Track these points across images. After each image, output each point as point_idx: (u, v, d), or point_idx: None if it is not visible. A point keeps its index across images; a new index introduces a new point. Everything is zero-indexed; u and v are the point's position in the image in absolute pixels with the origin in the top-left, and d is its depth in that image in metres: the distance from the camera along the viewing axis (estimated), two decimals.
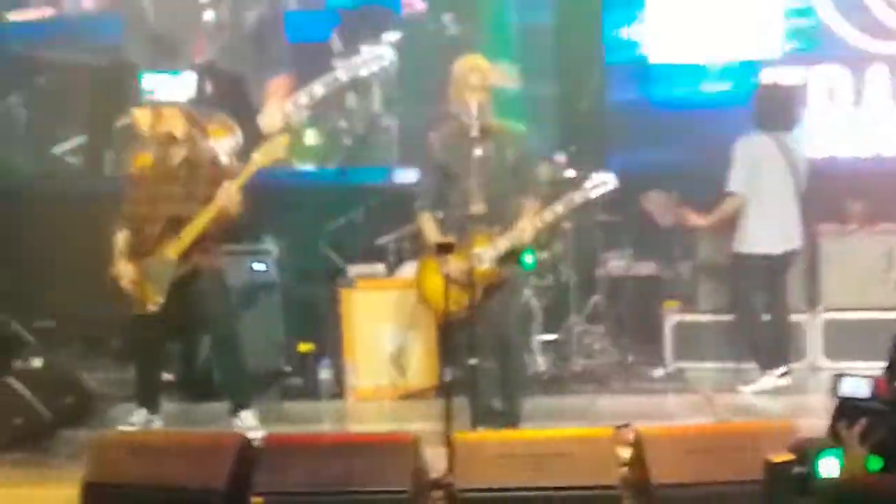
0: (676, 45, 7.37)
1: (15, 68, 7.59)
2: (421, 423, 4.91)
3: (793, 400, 5.72)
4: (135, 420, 5.32)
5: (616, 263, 6.69)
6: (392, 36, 6.90)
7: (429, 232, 5.03)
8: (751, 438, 4.00)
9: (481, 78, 4.97)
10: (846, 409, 2.53)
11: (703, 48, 7.34)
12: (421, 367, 6.07)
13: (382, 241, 6.56)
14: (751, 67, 7.21)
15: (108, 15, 7.88)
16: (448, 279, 4.44)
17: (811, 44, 7.23)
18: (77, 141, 7.50)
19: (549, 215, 4.96)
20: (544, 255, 6.42)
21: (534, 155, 5.26)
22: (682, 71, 7.38)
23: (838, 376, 2.62)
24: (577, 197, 4.94)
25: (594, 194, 4.95)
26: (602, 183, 4.93)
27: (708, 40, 7.33)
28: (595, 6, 7.32)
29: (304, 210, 6.76)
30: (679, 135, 7.11)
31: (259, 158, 5.20)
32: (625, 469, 4.20)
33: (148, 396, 5.38)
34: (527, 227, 4.89)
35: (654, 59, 7.35)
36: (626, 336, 6.53)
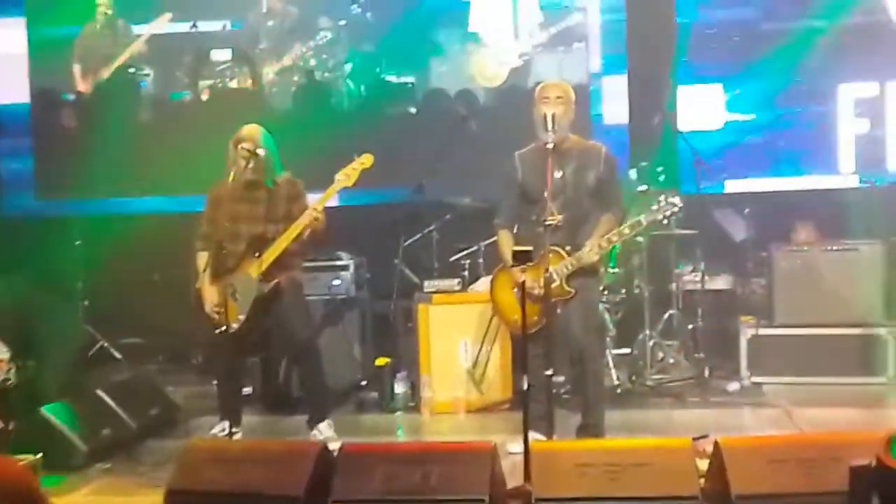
0: None
1: None
2: (497, 436, 4.93)
3: (875, 413, 5.61)
4: (217, 431, 5.45)
5: (690, 277, 6.66)
6: None
7: (505, 247, 5.09)
8: (833, 449, 3.92)
9: (558, 90, 5.04)
10: None
11: None
12: (496, 380, 6.12)
13: (457, 256, 6.65)
14: None
15: None
16: (523, 290, 4.47)
17: None
18: None
19: (615, 237, 4.98)
20: (619, 269, 6.45)
21: (619, 173, 5.28)
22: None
23: None
24: (644, 219, 4.94)
25: (661, 216, 4.94)
26: (670, 205, 4.92)
27: None
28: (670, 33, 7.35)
29: (381, 226, 6.87)
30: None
31: (343, 179, 5.30)
32: (703, 480, 4.16)
33: (230, 409, 5.48)
34: (593, 247, 4.93)
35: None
36: (701, 350, 6.49)
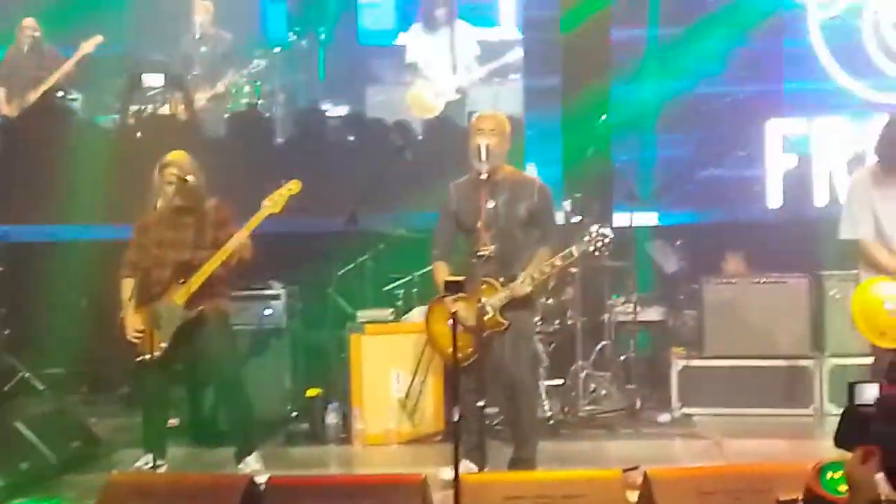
0: None
1: None
2: (430, 467, 4.88)
3: (802, 444, 5.68)
4: (141, 465, 5.31)
5: (623, 309, 6.70)
6: None
7: (441, 278, 5.06)
8: (761, 480, 3.97)
9: (492, 122, 5.06)
10: (853, 420, 2.51)
11: None
12: (429, 411, 6.07)
13: (391, 286, 6.61)
14: None
15: None
16: (456, 321, 4.45)
17: None
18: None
19: (547, 268, 4.98)
20: (552, 301, 6.47)
21: (552, 205, 5.30)
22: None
23: (852, 384, 2.61)
24: (575, 250, 4.96)
25: (592, 248, 4.96)
26: (600, 236, 4.95)
27: None
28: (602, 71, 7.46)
29: (314, 255, 6.81)
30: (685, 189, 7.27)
31: (269, 205, 5.24)
32: None
33: (154, 441, 5.36)
34: (526, 279, 4.93)
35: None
36: (633, 381, 6.53)
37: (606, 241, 4.94)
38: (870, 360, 5.22)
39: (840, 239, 5.19)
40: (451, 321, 4.41)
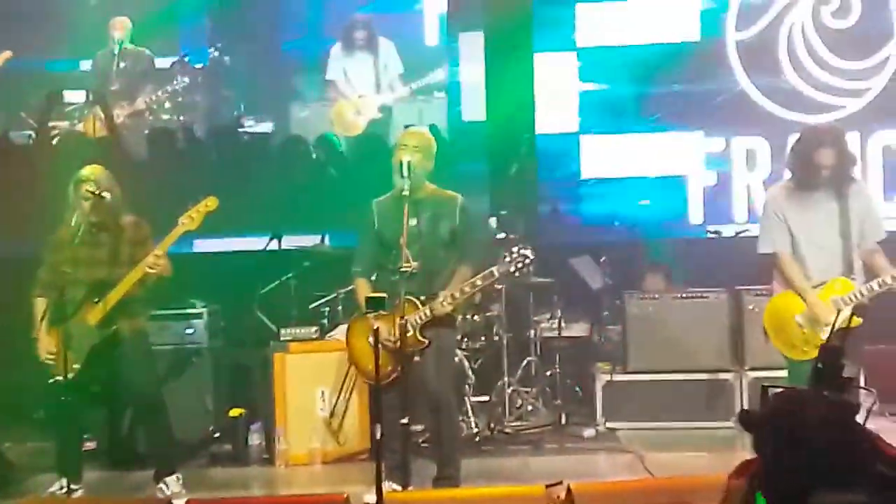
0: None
1: None
2: (355, 486, 4.83)
3: (724, 457, 5.75)
4: (55, 490, 5.16)
5: (548, 325, 6.74)
6: None
7: (362, 295, 5.03)
8: (683, 493, 3.99)
9: (416, 139, 5.06)
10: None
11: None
12: (354, 430, 6.02)
13: (316, 303, 6.55)
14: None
15: None
16: (377, 338, 4.42)
17: None
18: None
19: (468, 287, 4.98)
20: (478, 317, 6.47)
21: (473, 223, 5.30)
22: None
23: (765, 387, 2.60)
24: (496, 271, 4.97)
25: (513, 268, 4.97)
26: (522, 256, 4.95)
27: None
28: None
29: (236, 273, 6.71)
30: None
31: (187, 222, 5.16)
32: None
33: (69, 465, 5.22)
34: (447, 298, 4.92)
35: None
36: (559, 397, 6.56)
37: (528, 261, 4.95)
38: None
39: (759, 254, 5.27)
40: (371, 338, 4.36)
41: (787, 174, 5.30)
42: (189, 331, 6.34)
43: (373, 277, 5.12)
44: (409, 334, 4.81)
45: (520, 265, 4.92)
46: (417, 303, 4.91)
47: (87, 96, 7.56)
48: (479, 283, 4.97)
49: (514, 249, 4.95)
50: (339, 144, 7.71)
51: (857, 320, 4.94)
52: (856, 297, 4.94)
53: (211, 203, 5.17)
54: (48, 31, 7.74)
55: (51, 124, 7.69)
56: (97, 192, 5.11)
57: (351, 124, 7.77)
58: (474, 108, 7.60)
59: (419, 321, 4.90)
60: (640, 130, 7.56)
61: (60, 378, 4.97)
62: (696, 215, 7.61)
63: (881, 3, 7.37)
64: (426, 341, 4.93)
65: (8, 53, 7.61)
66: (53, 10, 7.89)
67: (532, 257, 4.91)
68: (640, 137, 7.57)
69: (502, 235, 6.47)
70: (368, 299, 4.37)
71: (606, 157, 7.60)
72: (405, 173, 4.87)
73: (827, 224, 5.01)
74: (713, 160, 7.58)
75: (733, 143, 7.55)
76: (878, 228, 5.08)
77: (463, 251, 5.08)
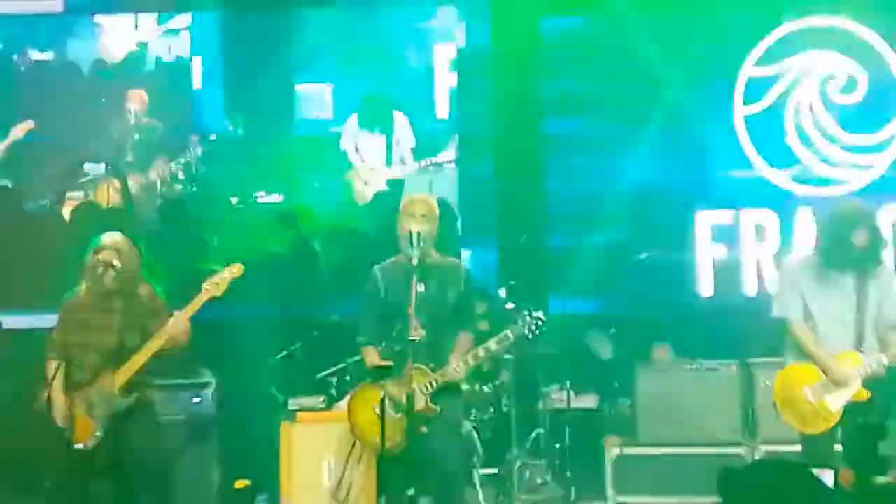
0: None
1: None
2: None
3: None
4: None
5: (558, 396, 6.69)
6: None
7: (371, 362, 5.01)
8: None
9: (425, 208, 5.08)
10: None
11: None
12: (360, 502, 5.94)
13: (325, 373, 6.53)
14: None
15: None
16: (383, 407, 4.41)
17: None
18: None
19: (482, 352, 4.98)
20: (486, 387, 6.45)
21: (475, 291, 5.32)
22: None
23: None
24: (511, 334, 4.97)
25: (526, 331, 4.97)
26: (535, 319, 4.97)
27: None
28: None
29: (245, 342, 6.72)
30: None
31: (211, 288, 5.18)
32: None
33: None
34: (459, 364, 4.91)
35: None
36: (568, 469, 6.48)
37: (540, 323, 4.96)
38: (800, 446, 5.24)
39: (769, 326, 5.26)
40: (378, 409, 4.34)
41: (809, 248, 5.28)
42: (196, 400, 6.32)
43: (379, 345, 5.11)
44: (420, 405, 4.79)
45: (533, 328, 4.92)
46: (427, 370, 4.89)
47: (106, 168, 7.67)
48: (493, 346, 4.97)
49: (526, 313, 4.96)
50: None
51: (865, 393, 4.93)
52: (867, 370, 4.93)
53: (237, 270, 5.19)
54: (63, 104, 7.89)
55: (67, 194, 7.79)
56: (110, 260, 5.15)
57: (358, 195, 7.85)
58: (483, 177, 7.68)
59: (430, 388, 4.88)
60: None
61: (82, 445, 4.91)
62: (706, 286, 7.60)
63: (887, 79, 7.45)
64: (437, 408, 4.90)
65: (30, 123, 7.76)
66: (75, 83, 8.05)
67: (544, 320, 4.92)
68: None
69: (511, 305, 6.46)
70: (376, 368, 4.36)
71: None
72: (415, 242, 4.89)
73: (843, 301, 5.01)
74: (722, 232, 7.59)
75: (741, 216, 7.57)
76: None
77: (465, 319, 5.08)
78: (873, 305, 5.00)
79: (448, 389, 4.96)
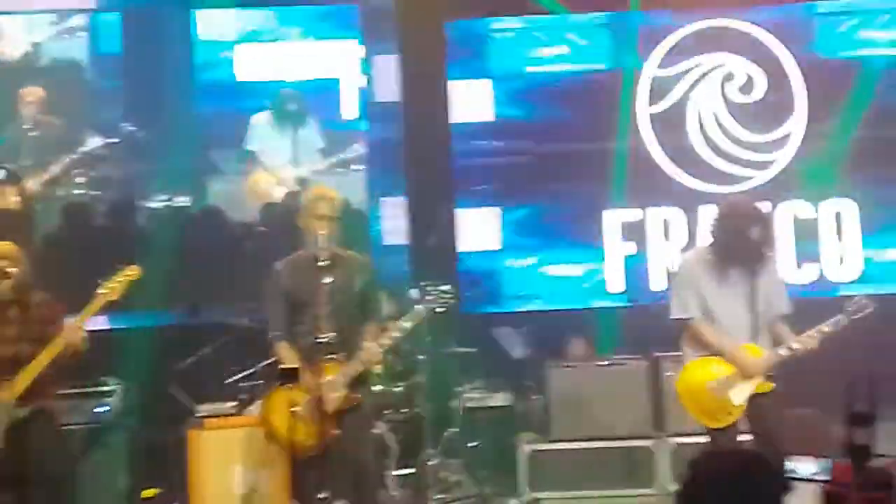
0: None
1: None
2: None
3: None
4: None
5: (471, 395, 6.71)
6: None
7: (287, 359, 4.92)
8: None
9: (329, 208, 5.03)
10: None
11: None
12: None
13: (235, 378, 6.42)
14: None
15: None
16: (293, 411, 4.35)
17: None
18: None
19: (396, 331, 4.95)
20: (399, 387, 6.42)
21: (377, 283, 5.30)
22: None
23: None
24: (423, 310, 4.95)
25: (437, 306, 4.96)
26: (441, 292, 4.95)
27: None
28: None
29: (153, 349, 6.57)
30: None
31: (107, 291, 5.04)
32: None
33: None
34: (374, 346, 4.87)
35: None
36: (483, 468, 6.50)
37: (449, 297, 4.95)
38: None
39: (673, 319, 5.34)
40: (299, 408, 4.28)
41: (706, 241, 5.38)
42: (101, 409, 6.16)
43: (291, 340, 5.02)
44: (337, 395, 4.73)
45: (443, 301, 4.91)
46: (342, 361, 4.83)
47: (5, 175, 7.42)
48: (406, 325, 4.94)
49: (431, 288, 4.95)
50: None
51: (769, 385, 5.05)
52: (768, 361, 5.05)
53: (133, 272, 5.07)
54: None
55: None
56: (6, 269, 4.99)
57: (266, 196, 7.74)
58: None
59: (348, 378, 4.82)
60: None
61: None
62: (616, 284, 7.71)
63: (783, 80, 7.66)
64: (359, 396, 4.85)
65: None
66: None
67: (452, 293, 4.92)
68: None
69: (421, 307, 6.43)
70: (283, 371, 4.31)
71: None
72: (322, 244, 4.84)
73: (738, 296, 5.12)
74: (631, 230, 7.72)
75: (648, 214, 7.71)
76: (783, 302, 5.21)
77: (372, 310, 5.06)
78: (762, 300, 5.12)
79: (356, 385, 4.89)
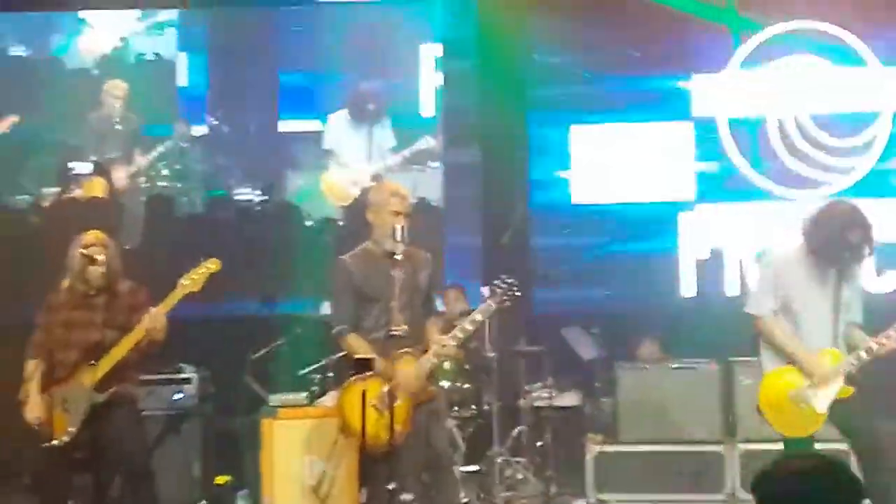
0: (599, 189, 7.70)
1: None
2: None
3: None
4: None
5: (539, 394, 6.71)
6: None
7: (360, 349, 4.92)
8: None
9: (402, 203, 5.07)
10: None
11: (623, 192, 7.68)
12: (341, 498, 5.94)
13: (307, 370, 6.53)
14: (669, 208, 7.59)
15: None
16: (363, 400, 4.41)
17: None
18: None
19: (468, 325, 4.97)
20: (468, 385, 6.46)
21: (439, 280, 5.34)
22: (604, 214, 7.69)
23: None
24: (493, 304, 4.97)
25: (504, 298, 4.97)
26: (509, 286, 4.96)
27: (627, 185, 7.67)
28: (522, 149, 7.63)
29: (229, 339, 6.71)
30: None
31: (188, 283, 5.15)
32: None
33: None
34: (447, 340, 4.90)
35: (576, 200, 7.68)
36: (549, 467, 6.50)
37: (515, 289, 4.95)
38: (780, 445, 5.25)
39: (747, 321, 5.25)
40: (375, 401, 4.32)
41: (798, 239, 5.25)
42: (178, 396, 6.31)
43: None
44: (416, 387, 4.76)
45: (510, 294, 4.92)
46: (416, 354, 4.88)
47: (94, 167, 7.65)
48: (478, 317, 4.96)
49: (498, 282, 4.97)
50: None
51: (849, 389, 4.94)
52: (849, 365, 4.95)
53: (213, 265, 5.16)
54: (43, 98, 7.86)
55: (51, 190, 7.77)
56: (93, 256, 5.13)
57: (342, 195, 7.84)
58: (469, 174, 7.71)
59: (424, 370, 4.85)
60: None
61: (56, 442, 4.90)
62: (689, 287, 7.64)
63: (868, 83, 7.50)
64: (434, 390, 4.91)
65: (14, 118, 7.71)
66: (56, 75, 8.02)
67: (517, 286, 4.92)
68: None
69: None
70: (358, 361, 4.35)
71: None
72: (399, 238, 4.87)
73: (826, 298, 5.01)
74: (706, 232, 7.63)
75: (725, 217, 7.61)
76: (859, 310, 5.11)
77: (432, 306, 5.10)
78: (845, 305, 5.02)
79: (434, 374, 4.93)
